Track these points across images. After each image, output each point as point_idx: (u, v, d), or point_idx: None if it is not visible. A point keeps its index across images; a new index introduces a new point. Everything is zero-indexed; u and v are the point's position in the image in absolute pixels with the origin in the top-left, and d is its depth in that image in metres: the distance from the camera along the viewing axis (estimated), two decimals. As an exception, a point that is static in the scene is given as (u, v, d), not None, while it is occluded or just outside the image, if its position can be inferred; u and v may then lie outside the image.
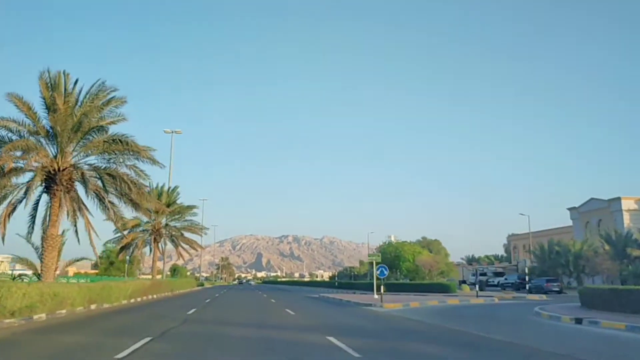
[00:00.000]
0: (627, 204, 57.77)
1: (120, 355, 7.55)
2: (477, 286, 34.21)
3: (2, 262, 60.55)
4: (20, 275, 25.92)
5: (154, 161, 20.80)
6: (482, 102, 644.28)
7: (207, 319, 15.15)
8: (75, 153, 20.51)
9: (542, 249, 52.60)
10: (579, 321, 15.10)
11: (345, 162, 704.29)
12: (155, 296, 29.66)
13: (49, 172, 19.71)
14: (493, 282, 55.00)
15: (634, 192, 60.37)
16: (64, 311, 15.54)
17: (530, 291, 37.69)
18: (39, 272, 19.71)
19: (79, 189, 20.67)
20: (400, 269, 58.44)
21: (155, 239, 40.19)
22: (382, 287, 25.46)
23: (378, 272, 25.05)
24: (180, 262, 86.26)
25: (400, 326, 14.25)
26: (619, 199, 58.04)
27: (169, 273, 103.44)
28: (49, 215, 19.82)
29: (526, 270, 39.40)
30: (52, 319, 14.16)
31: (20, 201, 20.08)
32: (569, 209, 67.45)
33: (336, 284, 69.76)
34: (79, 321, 13.84)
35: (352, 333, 11.87)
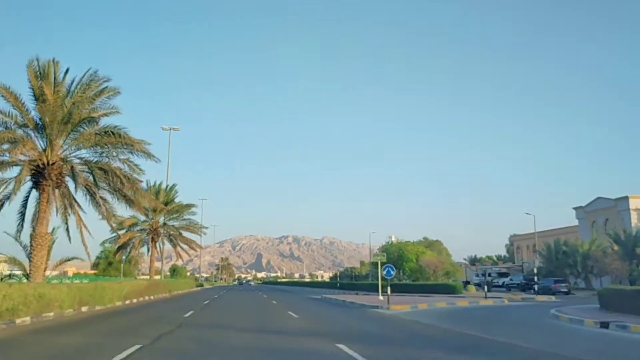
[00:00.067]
0: (634, 203, 56.60)
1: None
2: (485, 287, 33.10)
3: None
4: (10, 275, 24.84)
5: (148, 155, 19.74)
6: (482, 102, 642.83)
7: (205, 323, 14.07)
8: (65, 146, 19.47)
9: (548, 249, 51.44)
10: (605, 325, 13.98)
11: (346, 162, 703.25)
12: (152, 297, 28.59)
13: (38, 166, 18.67)
14: (497, 282, 53.85)
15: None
16: (51, 314, 14.47)
17: (537, 292, 36.65)
18: (28, 272, 18.68)
19: (71, 185, 19.68)
20: (403, 269, 57.37)
21: (153, 238, 39.14)
22: (388, 288, 24.31)
23: (384, 272, 23.96)
24: (179, 262, 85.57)
25: (413, 331, 13.13)
26: (626, 198, 56.87)
27: (168, 273, 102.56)
28: (38, 212, 18.80)
29: (535, 271, 38.27)
30: (37, 322, 13.10)
31: (8, 197, 19.03)
32: (575, 209, 66.30)
33: (338, 284, 68.69)
34: (65, 325, 12.76)
35: (363, 339, 10.79)
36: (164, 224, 40.55)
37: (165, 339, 9.84)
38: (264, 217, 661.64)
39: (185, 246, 43.10)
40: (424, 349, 9.72)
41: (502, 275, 58.34)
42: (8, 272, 25.97)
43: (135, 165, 20.08)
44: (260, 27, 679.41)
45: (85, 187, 19.03)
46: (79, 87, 19.59)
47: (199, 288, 62.54)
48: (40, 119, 19.11)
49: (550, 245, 51.68)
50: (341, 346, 9.03)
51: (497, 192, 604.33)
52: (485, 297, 29.72)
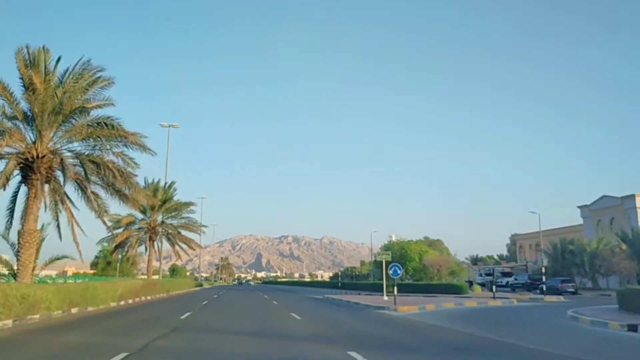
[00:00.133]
0: (642, 202, 55.59)
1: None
2: (494, 287, 32.15)
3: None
4: (-1, 274, 23.78)
5: (144, 147, 18.71)
6: (482, 102, 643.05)
7: (202, 326, 13.04)
8: (56, 139, 18.43)
9: (554, 248, 50.41)
10: (632, 328, 12.98)
11: (346, 162, 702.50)
12: (149, 298, 27.58)
13: (27, 159, 17.66)
14: (501, 282, 52.82)
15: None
16: (36, 316, 13.45)
17: (544, 292, 35.69)
18: (15, 271, 17.66)
19: (62, 179, 18.63)
20: (406, 268, 56.31)
21: (150, 237, 38.11)
22: (395, 288, 23.31)
23: (391, 271, 22.95)
24: (179, 262, 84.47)
25: (428, 336, 12.07)
26: (633, 196, 55.83)
27: (167, 273, 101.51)
28: (27, 207, 17.78)
29: (543, 270, 37.25)
30: (20, 325, 12.08)
31: (-4, 193, 18.02)
32: (580, 207, 65.29)
33: (339, 284, 67.71)
34: (47, 328, 11.75)
35: (376, 345, 9.79)
36: (162, 222, 39.51)
37: (156, 346, 8.84)
38: (264, 216, 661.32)
39: (184, 245, 42.06)
40: (446, 356, 8.74)
41: (505, 274, 57.31)
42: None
43: (130, 158, 19.05)
44: (260, 27, 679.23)
45: (76, 182, 18.00)
46: (70, 76, 18.54)
47: (198, 288, 61.47)
48: (30, 110, 18.14)
49: (556, 244, 50.64)
50: (354, 354, 8.04)
51: (497, 192, 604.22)
52: (494, 298, 28.74)
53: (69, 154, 18.09)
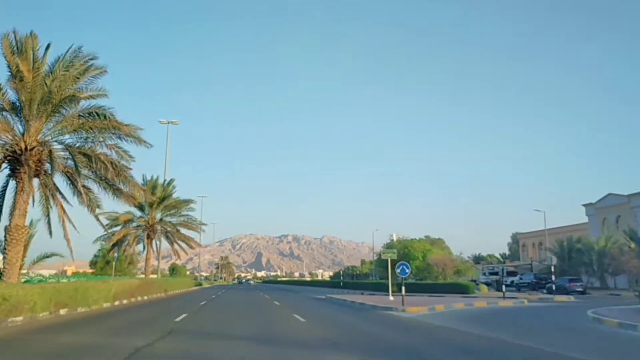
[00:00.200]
0: (648, 200, 54.60)
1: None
2: (503, 287, 31.14)
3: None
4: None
5: (138, 140, 17.71)
6: (482, 102, 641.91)
7: (198, 330, 12.03)
8: (46, 130, 17.43)
9: (561, 246, 49.36)
10: (666, 332, 12.03)
11: (346, 162, 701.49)
12: (145, 298, 26.56)
13: (15, 152, 16.69)
14: (506, 281, 51.76)
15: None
16: (19, 318, 12.45)
17: (552, 292, 34.67)
18: (2, 270, 16.66)
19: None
20: (410, 267, 55.32)
21: (148, 235, 37.10)
22: (403, 288, 22.27)
23: (398, 270, 21.94)
24: (179, 261, 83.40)
25: (443, 339, 10.99)
26: (639, 194, 54.89)
27: (167, 272, 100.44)
28: (15, 202, 16.79)
29: (552, 269, 36.17)
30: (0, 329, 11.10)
31: (-19, 187, 17.07)
32: (585, 205, 64.24)
33: (341, 284, 66.71)
34: (27, 332, 10.76)
35: (390, 353, 8.78)
36: (161, 219, 38.53)
37: (142, 356, 7.81)
38: (264, 216, 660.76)
39: (183, 244, 41.12)
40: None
41: (510, 274, 56.24)
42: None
43: (124, 151, 18.07)
44: (260, 27, 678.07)
45: (66, 175, 17.00)
46: (61, 64, 17.57)
47: (197, 287, 60.44)
48: (17, 99, 17.15)
49: (562, 243, 49.59)
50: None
51: (497, 192, 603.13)
52: (504, 297, 27.73)
53: (58, 146, 17.11)
